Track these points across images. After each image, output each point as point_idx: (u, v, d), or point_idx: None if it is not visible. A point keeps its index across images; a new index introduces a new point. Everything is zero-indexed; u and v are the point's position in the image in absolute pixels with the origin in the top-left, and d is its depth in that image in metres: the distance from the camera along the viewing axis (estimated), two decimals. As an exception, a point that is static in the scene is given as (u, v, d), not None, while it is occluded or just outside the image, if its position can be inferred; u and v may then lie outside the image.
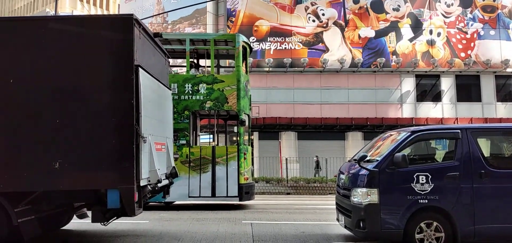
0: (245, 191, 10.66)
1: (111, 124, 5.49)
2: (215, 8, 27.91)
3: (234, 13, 25.89)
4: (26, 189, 5.54)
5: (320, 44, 25.03)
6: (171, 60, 10.69)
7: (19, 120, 5.52)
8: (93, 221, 5.88)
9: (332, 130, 23.90)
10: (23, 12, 58.33)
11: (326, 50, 24.84)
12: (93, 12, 54.50)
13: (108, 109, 5.52)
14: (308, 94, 24.60)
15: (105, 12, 55.85)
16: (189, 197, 10.51)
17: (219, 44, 11.73)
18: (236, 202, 10.85)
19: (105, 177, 5.47)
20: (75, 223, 7.62)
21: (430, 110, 24.63)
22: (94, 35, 5.73)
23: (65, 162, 5.38)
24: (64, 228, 7.37)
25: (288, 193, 16.88)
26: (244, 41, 11.57)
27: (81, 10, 51.26)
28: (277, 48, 24.97)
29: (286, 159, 19.08)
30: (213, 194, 10.52)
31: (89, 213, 6.61)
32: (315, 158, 20.95)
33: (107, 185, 5.52)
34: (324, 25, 25.14)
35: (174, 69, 13.70)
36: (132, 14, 5.76)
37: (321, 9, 25.31)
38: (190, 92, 10.84)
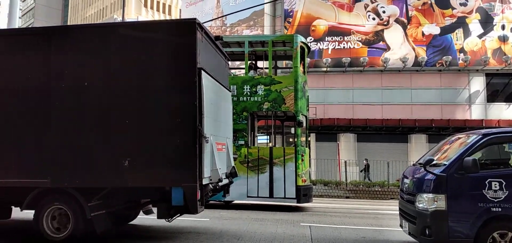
0: (303, 193, 10.60)
1: (176, 125, 5.72)
2: (272, 9, 28.06)
3: (291, 13, 25.83)
4: (98, 185, 5.95)
5: (381, 43, 24.20)
6: (230, 62, 10.90)
7: (92, 121, 5.93)
8: (159, 217, 6.16)
9: (394, 132, 22.95)
10: (93, 19, 62.73)
11: (387, 48, 23.95)
12: (156, 17, 57.19)
13: (173, 110, 5.76)
14: (368, 95, 23.86)
15: (168, 17, 58.35)
16: (248, 197, 10.65)
17: (277, 46, 11.77)
18: (293, 204, 10.81)
19: (170, 175, 5.72)
20: (141, 219, 8.04)
21: (502, 112, 22.80)
22: (160, 39, 6.02)
23: (134, 161, 5.70)
24: (131, 223, 7.79)
25: (347, 197, 16.51)
26: (302, 42, 11.52)
27: (145, 15, 54.03)
28: (335, 48, 24.53)
29: (345, 161, 18.66)
30: (271, 195, 10.58)
31: (154, 209, 6.99)
32: (364, 161, 20.27)
33: (171, 183, 5.76)
34: (385, 23, 24.25)
35: (232, 71, 13.98)
36: (195, 19, 5.97)
37: (381, 7, 24.46)
38: (249, 93, 10.99)
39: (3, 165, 6.08)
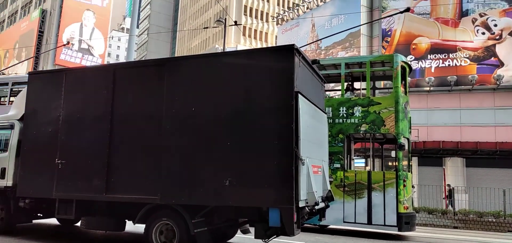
0: (404, 221, 9.93)
1: (273, 147, 5.86)
2: (369, 30, 27.37)
3: (389, 33, 24.90)
4: (201, 203, 6.33)
5: (492, 59, 21.97)
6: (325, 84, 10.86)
7: (198, 143, 6.37)
8: (256, 237, 6.31)
9: (510, 156, 20.39)
10: (198, 49, 67.82)
11: (500, 64, 21.64)
12: (253, 45, 59.68)
13: (271, 133, 5.92)
14: (479, 115, 21.69)
15: (264, 44, 60.50)
16: (344, 222, 10.32)
17: (375, 66, 11.41)
18: (394, 232, 10.18)
19: (267, 196, 5.84)
20: (239, 237, 8.28)
21: None
22: (260, 65, 6.29)
23: (234, 180, 5.96)
24: (229, 241, 8.08)
25: (455, 227, 15.01)
26: (402, 61, 11.00)
27: (243, 44, 56.77)
28: (439, 66, 22.91)
29: (452, 188, 17.05)
30: (369, 222, 10.11)
31: (251, 229, 7.16)
32: (447, 186, 18.17)
33: (268, 204, 5.88)
34: (497, 37, 22.01)
35: (328, 93, 13.87)
36: (293, 45, 6.13)
37: (492, 20, 22.28)
38: (345, 115, 10.78)
39: (121, 182, 6.84)
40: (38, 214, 8.24)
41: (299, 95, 5.98)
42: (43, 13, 46.49)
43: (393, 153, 11.13)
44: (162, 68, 6.97)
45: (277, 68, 6.13)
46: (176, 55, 68.23)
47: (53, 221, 9.21)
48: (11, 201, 7.87)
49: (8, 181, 7.96)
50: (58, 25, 45.29)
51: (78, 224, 8.62)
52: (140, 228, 6.96)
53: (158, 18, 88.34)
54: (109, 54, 71.91)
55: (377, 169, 13.80)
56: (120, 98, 7.15)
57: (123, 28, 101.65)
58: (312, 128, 6.73)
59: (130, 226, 7.63)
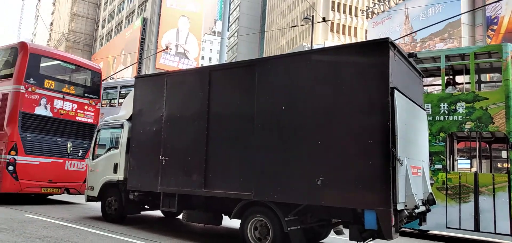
0: (520, 230, 8.84)
1: (368, 146, 5.65)
2: (471, 18, 25.00)
3: (495, 20, 22.45)
4: (294, 201, 6.35)
5: None
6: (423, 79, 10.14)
7: (289, 141, 6.41)
8: (351, 239, 6.14)
9: None
10: (285, 48, 68.37)
11: None
12: (342, 41, 58.27)
13: (365, 131, 5.71)
14: None
15: (353, 40, 58.72)
16: (447, 228, 9.54)
17: (480, 57, 10.35)
18: (507, 241, 9.13)
19: (362, 198, 5.65)
20: (332, 238, 8.15)
21: None
22: (352, 62, 6.12)
23: (326, 180, 5.88)
24: (322, 241, 7.99)
25: None
26: (514, 51, 9.81)
27: (331, 40, 55.74)
28: (561, 54, 19.95)
29: None
30: (477, 229, 9.20)
31: (345, 230, 7.00)
32: None
33: (364, 205, 5.69)
34: None
35: (426, 88, 12.94)
36: (387, 38, 5.84)
37: None
38: (446, 112, 9.96)
39: (218, 178, 7.18)
40: (145, 206, 9.03)
41: (395, 91, 5.68)
42: (144, 21, 50.83)
43: (503, 154, 9.99)
44: (253, 68, 7.16)
45: (371, 64, 5.89)
46: (264, 55, 69.58)
47: (158, 213, 10.02)
48: (122, 194, 8.75)
49: (119, 175, 8.86)
50: (157, 31, 49.18)
51: (180, 216, 9.27)
52: (236, 223, 7.23)
53: (247, 20, 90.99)
54: (202, 57, 76.06)
55: (484, 171, 12.52)
56: (215, 98, 7.51)
57: (214, 32, 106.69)
58: (410, 126, 6.34)
59: (227, 221, 7.96)
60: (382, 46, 5.80)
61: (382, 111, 5.58)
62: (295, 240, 6.30)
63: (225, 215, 7.79)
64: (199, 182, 7.33)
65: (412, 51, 7.34)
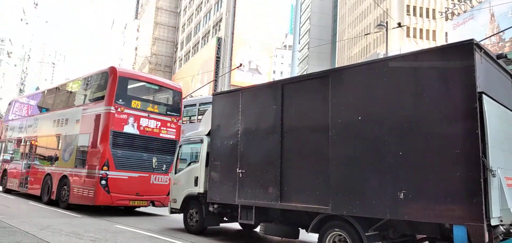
0: None
1: (455, 156, 5.26)
2: None
3: None
4: (374, 216, 6.10)
5: None
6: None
7: (367, 153, 6.21)
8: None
9: None
10: (358, 57, 66.61)
11: None
12: (419, 46, 55.22)
13: (450, 141, 5.34)
14: None
15: (432, 44, 55.31)
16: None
17: None
18: None
19: (450, 212, 5.26)
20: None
21: None
22: (432, 67, 5.77)
23: (409, 193, 5.57)
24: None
25: None
26: None
27: (408, 46, 53.11)
28: None
29: None
30: None
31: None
32: None
33: (452, 220, 5.29)
34: None
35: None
36: (472, 40, 5.43)
37: None
38: (546, 117, 8.91)
39: (294, 191, 7.17)
40: (224, 218, 9.31)
41: (484, 95, 5.24)
42: (219, 40, 52.98)
43: None
44: (326, 79, 7.08)
45: (455, 68, 5.50)
46: (336, 66, 68.40)
47: (237, 225, 10.26)
48: (202, 206, 9.12)
49: (200, 188, 9.26)
50: (231, 49, 50.94)
51: (257, 229, 9.39)
52: (314, 237, 7.14)
53: (317, 31, 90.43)
54: (274, 71, 76.97)
55: None
56: (289, 111, 7.56)
57: (285, 46, 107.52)
58: (504, 134, 5.80)
59: (304, 235, 7.90)
60: (467, 48, 5.40)
61: (469, 118, 5.17)
62: (377, 257, 6.05)
63: (302, 228, 7.74)
64: (275, 195, 7.39)
65: (501, 52, 6.76)
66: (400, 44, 52.15)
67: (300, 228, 7.91)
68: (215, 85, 48.48)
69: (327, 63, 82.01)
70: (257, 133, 8.14)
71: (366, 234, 6.06)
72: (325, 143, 6.72)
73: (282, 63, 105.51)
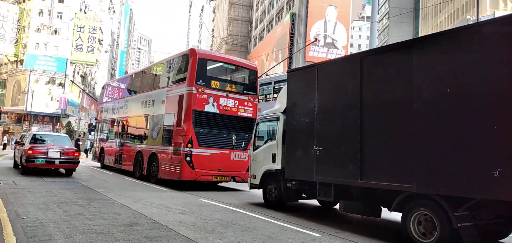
0: None
1: None
2: None
3: None
4: (464, 195, 5.68)
5: None
6: None
7: (455, 128, 5.75)
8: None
9: None
10: (444, 24, 61.42)
11: None
12: (517, 7, 49.21)
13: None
14: None
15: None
16: None
17: None
18: None
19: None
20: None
21: None
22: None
23: (506, 171, 5.08)
24: (500, 241, 6.96)
25: None
26: None
27: (503, 9, 47.66)
28: None
29: None
30: None
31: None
32: None
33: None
34: None
35: None
36: None
37: None
38: None
39: (375, 169, 6.93)
40: (303, 195, 9.35)
41: None
42: (293, 16, 52.34)
43: None
44: (409, 49, 6.65)
45: None
46: (419, 35, 63.88)
47: (315, 202, 10.27)
48: (281, 182, 9.25)
49: (277, 165, 9.39)
50: (306, 25, 50.07)
51: (336, 206, 9.31)
52: (398, 215, 6.89)
53: (398, 0, 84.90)
54: (351, 45, 74.29)
55: None
56: (368, 85, 7.25)
57: (363, 17, 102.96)
58: None
59: (386, 213, 7.65)
60: None
61: None
62: (467, 238, 5.65)
63: (384, 207, 7.50)
64: (355, 173, 7.21)
65: None
66: (493, 9, 47.01)
67: (382, 207, 7.67)
68: (290, 63, 48.23)
69: (409, 33, 76.88)
70: (334, 109, 7.97)
71: (455, 214, 5.67)
72: (409, 118, 6.36)
73: (359, 36, 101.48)
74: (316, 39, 36.77)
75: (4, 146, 38.48)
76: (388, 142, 6.78)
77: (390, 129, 6.78)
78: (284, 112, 9.52)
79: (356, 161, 7.19)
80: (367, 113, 7.18)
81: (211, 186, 14.27)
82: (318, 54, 47.18)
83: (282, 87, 13.35)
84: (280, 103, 10.00)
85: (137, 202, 9.23)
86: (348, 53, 46.91)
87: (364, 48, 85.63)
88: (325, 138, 8.02)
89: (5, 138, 43.68)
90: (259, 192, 10.65)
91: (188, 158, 12.36)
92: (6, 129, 54.25)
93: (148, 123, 15.29)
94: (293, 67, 45.74)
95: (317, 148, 8.06)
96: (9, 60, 61.28)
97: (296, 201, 9.74)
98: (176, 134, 13.00)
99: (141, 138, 15.83)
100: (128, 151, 16.91)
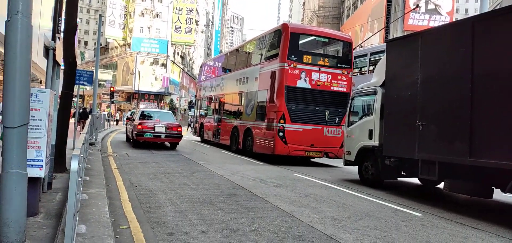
0: None
1: None
2: None
3: None
4: None
5: None
6: None
7: None
8: None
9: None
10: None
11: None
12: None
13: None
14: None
15: None
16: None
17: None
18: None
19: None
20: None
21: None
22: None
23: None
24: None
25: None
26: None
27: None
28: None
29: None
30: None
31: None
32: None
33: None
34: None
35: None
36: None
37: None
38: None
39: (487, 146, 6.25)
40: (402, 173, 8.86)
41: None
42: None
43: None
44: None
45: None
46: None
47: (415, 180, 9.69)
48: (378, 159, 8.87)
49: (375, 141, 9.00)
50: (405, -9, 46.46)
51: (440, 185, 8.67)
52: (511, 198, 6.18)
53: (516, -46, 74.15)
54: (457, 10, 67.39)
55: None
56: (481, 54, 6.50)
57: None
58: None
59: (499, 195, 6.92)
60: None
61: None
62: None
63: (497, 188, 6.77)
64: (463, 150, 6.58)
65: None
66: None
67: (494, 187, 6.93)
68: (386, 33, 45.47)
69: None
70: (440, 81, 7.31)
71: None
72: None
73: (467, 1, 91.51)
74: (417, 6, 33.88)
75: (117, 121, 43.06)
76: (504, 116, 6.03)
77: (507, 102, 6.01)
78: (382, 86, 9.04)
79: (465, 137, 6.55)
80: (479, 85, 6.46)
81: (304, 161, 14.29)
82: (418, 22, 43.70)
83: (379, 59, 12.67)
84: (377, 76, 9.51)
85: (235, 175, 9.64)
86: (454, 20, 42.67)
87: (472, 13, 77.02)
88: (429, 112, 7.44)
89: (117, 114, 48.91)
90: (354, 168, 10.37)
91: (280, 134, 12.50)
92: (119, 106, 60.67)
93: (243, 100, 15.76)
94: (391, 37, 43.08)
95: (419, 123, 7.52)
96: (118, 44, 67.94)
97: (394, 179, 9.29)
98: (269, 110, 13.20)
99: (236, 114, 16.42)
100: (225, 126, 17.70)
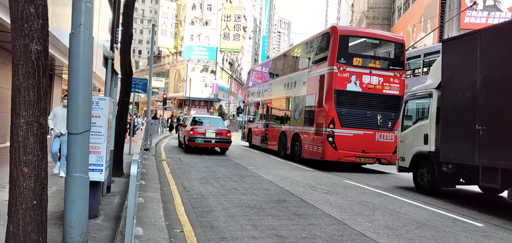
0: None
1: None
2: None
3: None
4: None
5: None
6: None
7: None
8: None
9: None
10: None
11: None
12: None
13: None
14: None
15: None
16: None
17: None
18: None
19: None
20: None
21: None
22: None
23: None
24: None
25: None
26: None
27: None
28: None
29: None
30: None
31: None
32: None
33: None
34: None
35: None
36: None
37: None
38: None
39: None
40: (461, 180, 8.38)
41: None
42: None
43: None
44: None
45: None
46: None
47: (475, 188, 9.14)
48: (435, 165, 8.46)
49: (430, 147, 8.59)
50: (460, -12, 44.14)
51: (504, 194, 8.12)
52: None
53: None
54: (519, 5, 62.87)
55: None
56: None
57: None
58: None
59: None
60: None
61: None
62: None
63: None
64: (531, 156, 6.11)
65: None
66: None
67: None
68: (441, 32, 43.40)
69: None
70: (502, 82, 6.84)
71: None
72: None
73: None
74: (474, 2, 31.98)
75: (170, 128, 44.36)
76: None
77: None
78: (438, 88, 8.63)
79: (533, 142, 6.07)
80: (548, 85, 5.97)
81: (354, 167, 13.95)
82: (476, 20, 41.29)
83: (433, 60, 12.13)
84: (433, 77, 9.10)
85: (284, 180, 9.62)
86: (516, 15, 39.87)
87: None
88: (491, 115, 6.99)
89: (169, 120, 50.52)
90: (408, 175, 9.96)
91: (330, 139, 12.30)
92: (172, 113, 62.83)
93: (290, 105, 15.70)
94: (446, 36, 41.04)
95: (480, 128, 7.08)
96: (170, 52, 70.38)
97: (452, 186, 8.81)
98: (318, 115, 13.04)
99: (284, 119, 16.38)
100: (272, 131, 17.73)
